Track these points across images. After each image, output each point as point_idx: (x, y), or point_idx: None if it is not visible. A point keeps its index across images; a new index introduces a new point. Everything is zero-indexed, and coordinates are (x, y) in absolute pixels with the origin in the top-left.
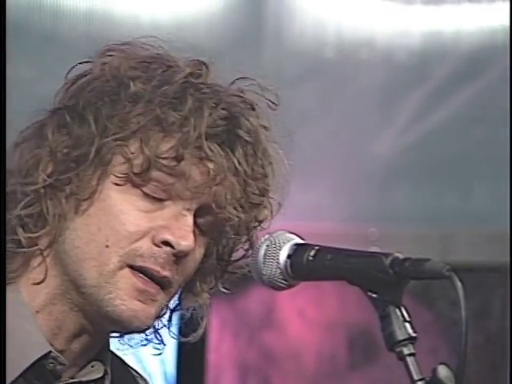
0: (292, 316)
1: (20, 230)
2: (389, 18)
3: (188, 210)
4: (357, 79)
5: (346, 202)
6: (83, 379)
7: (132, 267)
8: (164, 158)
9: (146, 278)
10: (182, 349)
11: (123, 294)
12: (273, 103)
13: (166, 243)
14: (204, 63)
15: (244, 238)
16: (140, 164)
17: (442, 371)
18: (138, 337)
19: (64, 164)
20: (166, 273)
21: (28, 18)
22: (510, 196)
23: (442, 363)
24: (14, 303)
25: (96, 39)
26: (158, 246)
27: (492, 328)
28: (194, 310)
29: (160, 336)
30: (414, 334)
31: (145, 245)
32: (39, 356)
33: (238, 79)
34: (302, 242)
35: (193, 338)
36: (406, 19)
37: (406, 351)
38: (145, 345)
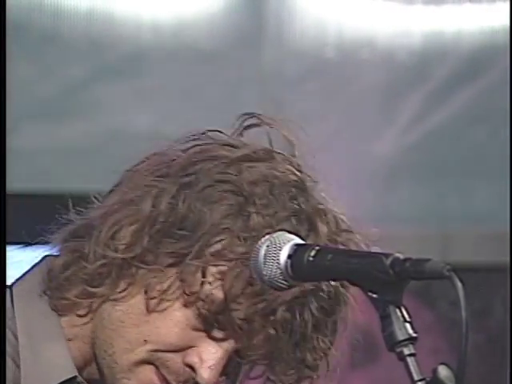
0: None
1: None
2: (389, 18)
3: (227, 348)
4: (357, 79)
5: (347, 201)
6: None
7: (156, 367)
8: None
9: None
10: None
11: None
12: None
13: (191, 367)
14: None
15: None
16: (217, 302)
17: (443, 371)
18: None
19: (149, 242)
20: None
21: (28, 18)
22: (511, 196)
23: (442, 363)
24: (50, 323)
25: (96, 39)
26: (185, 366)
27: (492, 328)
28: None
29: None
30: (414, 335)
31: (176, 360)
32: (63, 379)
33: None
34: (302, 242)
35: None
36: (406, 19)
37: (406, 351)
38: None
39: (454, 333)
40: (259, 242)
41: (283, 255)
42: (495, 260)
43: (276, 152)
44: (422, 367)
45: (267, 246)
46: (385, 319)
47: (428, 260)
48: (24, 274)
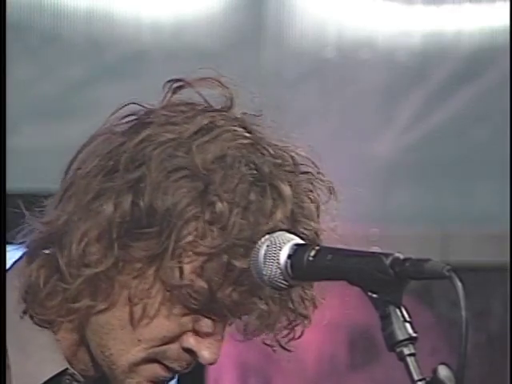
0: None
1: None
2: (389, 18)
3: (219, 321)
4: (357, 79)
5: (347, 201)
6: None
7: (157, 361)
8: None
9: (168, 372)
10: None
11: (144, 381)
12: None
13: (190, 351)
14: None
15: None
16: (201, 294)
17: (443, 371)
18: None
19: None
20: (186, 370)
21: (28, 18)
22: (511, 196)
23: (442, 363)
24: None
25: (96, 39)
26: (186, 351)
27: (492, 328)
28: None
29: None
30: (414, 334)
31: (173, 348)
32: (56, 373)
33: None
34: (302, 242)
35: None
36: (406, 20)
37: (406, 351)
38: None
39: (454, 333)
40: (259, 242)
41: (283, 255)
42: (495, 260)
43: (219, 117)
44: (421, 367)
45: (267, 246)
46: (385, 319)
47: (428, 260)
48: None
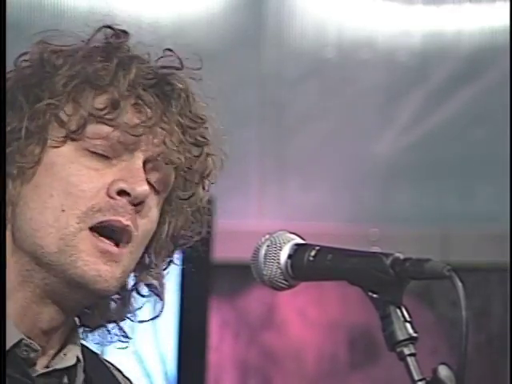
0: (292, 316)
1: None
2: (389, 18)
3: (136, 160)
4: (357, 79)
5: (347, 202)
6: (57, 367)
7: (92, 229)
8: (99, 110)
9: (107, 239)
10: (182, 349)
11: (85, 256)
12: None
13: (122, 192)
14: (124, 31)
15: (193, 204)
16: (76, 121)
17: (443, 371)
18: (101, 333)
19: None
20: (127, 222)
21: (28, 18)
22: (511, 196)
23: (442, 363)
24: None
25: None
26: (114, 198)
27: (492, 328)
28: (150, 287)
29: (123, 330)
30: (414, 334)
31: (101, 200)
32: (11, 345)
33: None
34: (302, 242)
35: (154, 316)
36: (406, 19)
37: (406, 351)
38: (110, 342)
39: (454, 333)
40: (259, 242)
41: (283, 255)
42: (495, 260)
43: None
44: (422, 367)
45: (267, 246)
46: (385, 319)
47: (428, 260)
48: None
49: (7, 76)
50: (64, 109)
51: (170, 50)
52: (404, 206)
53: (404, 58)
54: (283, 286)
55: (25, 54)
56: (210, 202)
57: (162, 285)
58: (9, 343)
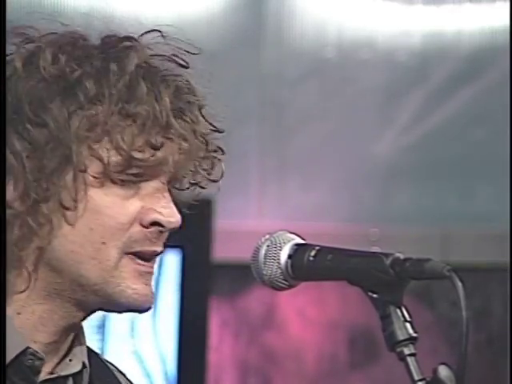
0: (292, 316)
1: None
2: (389, 18)
3: (163, 184)
4: (357, 79)
5: (347, 202)
6: (62, 374)
7: (130, 254)
8: (142, 151)
9: (144, 262)
10: (182, 349)
11: (131, 284)
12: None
13: (156, 223)
14: (134, 38)
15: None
16: (118, 162)
17: (443, 371)
18: None
19: (34, 176)
20: (159, 249)
21: (28, 18)
22: (511, 196)
23: (442, 363)
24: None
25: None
26: (147, 228)
27: (492, 328)
28: None
29: None
30: (414, 334)
31: (136, 230)
32: (17, 353)
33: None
34: (302, 242)
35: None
36: (406, 19)
37: (406, 351)
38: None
39: (454, 333)
40: (259, 242)
41: (283, 255)
42: (495, 260)
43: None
44: (422, 367)
45: (267, 246)
46: (385, 319)
47: (428, 260)
48: None
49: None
50: (102, 147)
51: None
52: (404, 205)
53: (404, 57)
54: (283, 285)
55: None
56: (209, 202)
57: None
58: (15, 351)
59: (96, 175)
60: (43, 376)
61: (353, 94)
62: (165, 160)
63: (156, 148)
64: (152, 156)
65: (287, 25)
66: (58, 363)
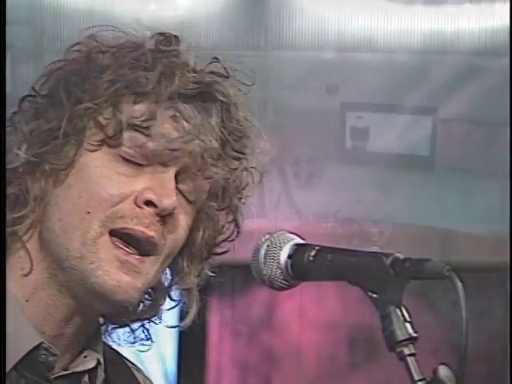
0: (292, 316)
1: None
2: (389, 18)
3: (168, 172)
4: (357, 79)
5: (347, 202)
6: (76, 370)
7: (113, 233)
8: (136, 118)
9: (128, 248)
10: (182, 348)
11: (105, 265)
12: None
13: (149, 203)
14: (175, 36)
15: (228, 211)
16: (113, 127)
17: (443, 371)
18: (125, 333)
19: (38, 139)
20: (151, 233)
21: (28, 18)
22: (510, 196)
23: (442, 363)
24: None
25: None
26: (141, 207)
27: (492, 328)
28: (182, 294)
29: (148, 332)
30: (414, 334)
31: (126, 206)
32: (30, 348)
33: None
34: (302, 242)
35: (183, 325)
36: (406, 19)
37: (406, 351)
38: (133, 342)
39: (454, 333)
40: (259, 242)
41: (283, 255)
42: (495, 260)
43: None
44: (422, 367)
45: (267, 246)
46: (385, 319)
47: (428, 260)
48: None
49: (54, 66)
50: (103, 113)
51: (216, 58)
52: (404, 206)
53: (404, 57)
54: (283, 285)
55: (77, 44)
56: None
57: (191, 292)
58: (28, 346)
59: (93, 142)
60: (57, 372)
61: (353, 93)
62: (159, 134)
63: (151, 117)
64: (147, 125)
65: (287, 25)
66: (73, 360)
